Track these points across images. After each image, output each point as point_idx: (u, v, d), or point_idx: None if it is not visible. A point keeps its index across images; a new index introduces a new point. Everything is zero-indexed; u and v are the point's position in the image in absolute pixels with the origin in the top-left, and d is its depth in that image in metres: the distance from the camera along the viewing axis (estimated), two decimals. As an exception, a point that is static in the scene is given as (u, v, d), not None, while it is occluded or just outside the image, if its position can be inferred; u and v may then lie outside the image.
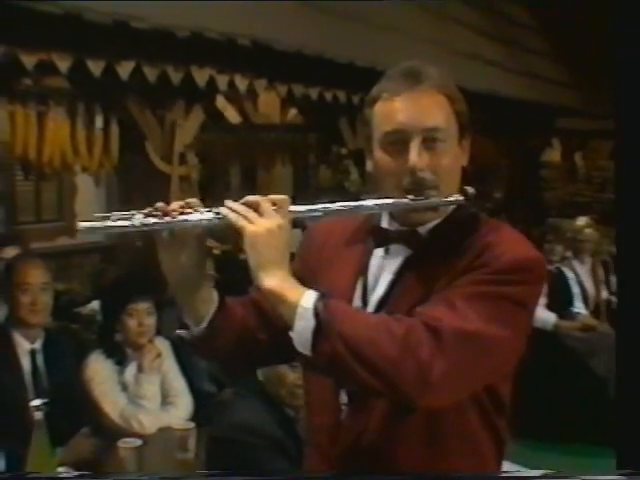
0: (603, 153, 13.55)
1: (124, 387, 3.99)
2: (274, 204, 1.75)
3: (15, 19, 3.66)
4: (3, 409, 3.47)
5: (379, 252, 1.95)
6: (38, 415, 2.85)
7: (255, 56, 5.13)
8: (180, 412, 3.99)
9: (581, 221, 7.42)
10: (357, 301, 1.93)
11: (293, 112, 8.90)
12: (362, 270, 1.95)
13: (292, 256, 1.83)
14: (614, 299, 7.09)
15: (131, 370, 4.02)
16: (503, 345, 1.75)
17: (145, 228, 1.75)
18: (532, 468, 3.87)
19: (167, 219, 1.76)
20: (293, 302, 1.68)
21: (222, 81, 5.21)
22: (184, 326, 1.92)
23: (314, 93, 6.23)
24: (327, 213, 1.85)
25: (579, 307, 6.97)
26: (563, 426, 6.05)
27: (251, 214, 1.73)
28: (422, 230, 1.91)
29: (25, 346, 3.73)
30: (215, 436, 3.10)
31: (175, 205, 1.78)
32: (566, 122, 11.45)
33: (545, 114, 10.46)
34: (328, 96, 6.51)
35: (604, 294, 7.21)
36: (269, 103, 8.62)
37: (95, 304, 5.15)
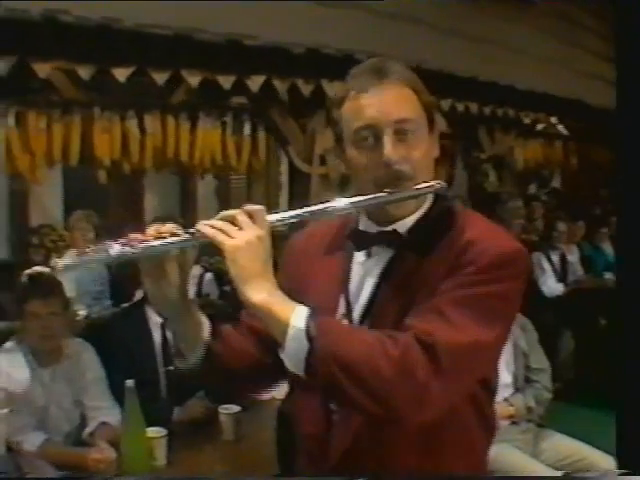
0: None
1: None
2: (250, 216, 1.36)
3: (148, 44, 3.42)
4: (135, 371, 3.25)
5: (360, 257, 1.53)
6: (130, 382, 2.62)
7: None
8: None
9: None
10: (342, 309, 1.50)
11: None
12: (344, 277, 1.53)
13: (275, 264, 1.41)
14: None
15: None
16: (495, 343, 1.43)
17: (122, 258, 1.36)
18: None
19: (143, 246, 1.37)
20: (283, 321, 1.30)
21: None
22: (181, 355, 1.52)
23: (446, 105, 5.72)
24: (303, 218, 1.44)
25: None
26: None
27: (229, 228, 1.34)
28: (402, 229, 1.49)
29: (156, 320, 3.51)
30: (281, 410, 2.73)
31: (151, 231, 1.39)
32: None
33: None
34: (459, 107, 6.01)
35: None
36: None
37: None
